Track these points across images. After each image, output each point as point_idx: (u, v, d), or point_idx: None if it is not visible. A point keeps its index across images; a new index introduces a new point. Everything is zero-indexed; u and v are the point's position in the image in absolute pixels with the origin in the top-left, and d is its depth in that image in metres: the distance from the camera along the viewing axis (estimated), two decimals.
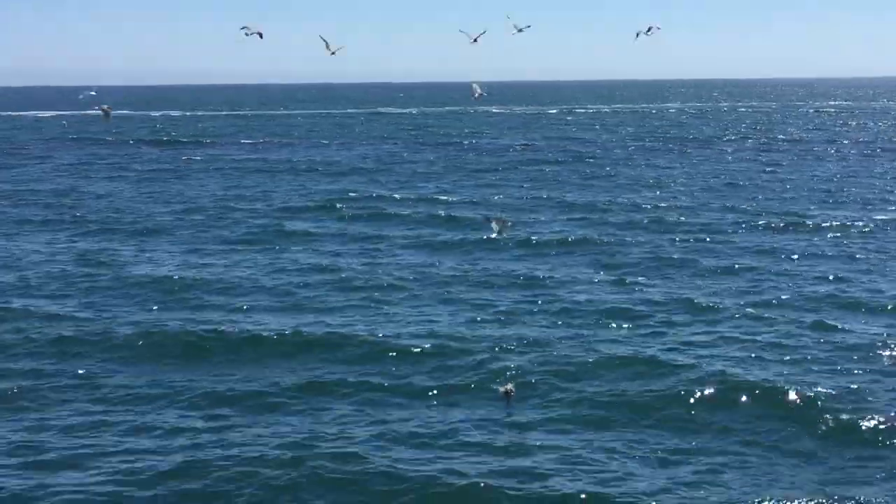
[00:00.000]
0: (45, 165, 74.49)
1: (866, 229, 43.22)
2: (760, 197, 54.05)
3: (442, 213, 48.38)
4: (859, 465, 17.98)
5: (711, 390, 21.46)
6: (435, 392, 22.27)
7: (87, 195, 56.19)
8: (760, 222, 44.93)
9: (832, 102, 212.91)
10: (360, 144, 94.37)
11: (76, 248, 40.35)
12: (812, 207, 50.04)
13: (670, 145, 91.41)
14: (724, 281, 33.24)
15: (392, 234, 42.63)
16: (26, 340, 26.14)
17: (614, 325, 27.62)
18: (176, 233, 43.72)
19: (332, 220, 47.22)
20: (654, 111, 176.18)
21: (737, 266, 35.45)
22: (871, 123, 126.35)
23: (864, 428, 19.34)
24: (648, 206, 50.05)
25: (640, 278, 33.63)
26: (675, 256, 37.15)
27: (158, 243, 41.33)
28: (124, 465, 18.19)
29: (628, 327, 27.47)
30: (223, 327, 27.18)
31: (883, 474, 17.61)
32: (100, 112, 37.92)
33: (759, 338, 26.07)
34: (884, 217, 46.49)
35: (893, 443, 18.90)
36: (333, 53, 24.21)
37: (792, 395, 20.98)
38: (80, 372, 23.77)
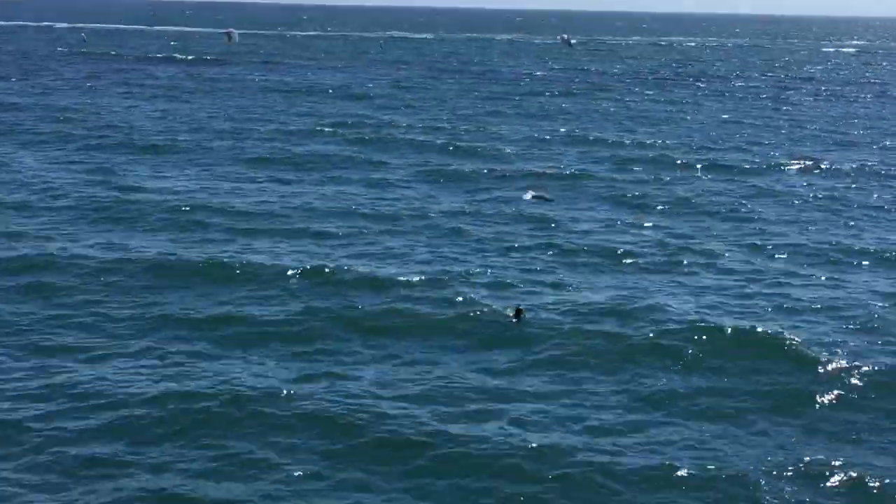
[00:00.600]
0: (58, 80, 73.99)
1: (883, 172, 43.10)
2: (771, 137, 53.78)
3: (446, 141, 48.05)
4: (852, 417, 17.91)
5: (706, 336, 21.24)
6: (434, 326, 22.11)
7: (98, 111, 55.86)
8: (772, 163, 44.88)
9: (855, 41, 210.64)
10: (376, 69, 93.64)
11: (81, 164, 40.16)
12: (823, 148, 49.86)
13: (688, 80, 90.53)
14: (728, 224, 33.22)
15: (400, 162, 42.41)
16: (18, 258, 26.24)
17: (611, 265, 27.64)
18: (182, 153, 43.38)
19: (340, 144, 46.86)
20: (673, 44, 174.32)
21: (743, 210, 35.42)
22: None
23: (857, 382, 19.22)
24: (658, 143, 49.71)
25: (647, 217, 33.58)
26: (681, 195, 37.11)
27: (164, 163, 41.10)
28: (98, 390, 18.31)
29: (626, 268, 27.46)
30: (221, 253, 27.14)
31: (874, 426, 17.58)
32: (224, 34, 38.23)
33: (763, 286, 25.87)
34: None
35: (883, 394, 18.85)
36: None
37: (789, 346, 20.74)
38: (80, 297, 23.68)
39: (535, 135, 51.97)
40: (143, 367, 19.37)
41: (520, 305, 22.99)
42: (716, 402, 18.41)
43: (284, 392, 18.03)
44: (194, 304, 23.31)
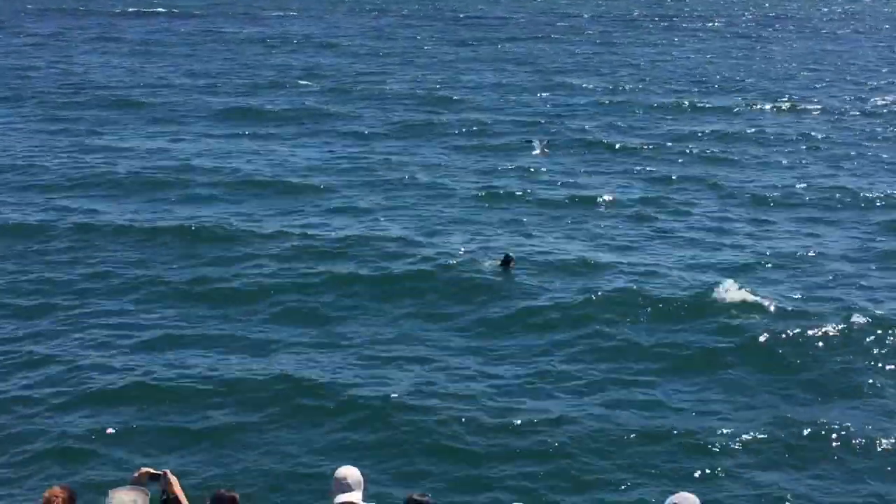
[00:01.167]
0: (18, 39, 71.97)
1: (863, 112, 43.03)
2: (751, 77, 53.54)
3: (424, 92, 47.47)
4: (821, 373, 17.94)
5: (672, 290, 21.31)
6: (418, 281, 22.14)
7: (68, 68, 54.63)
8: (751, 105, 44.79)
9: None
10: (354, 18, 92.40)
11: (46, 123, 39.51)
12: (802, 87, 49.73)
13: (668, 21, 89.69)
14: (705, 168, 33.26)
15: (376, 114, 42.02)
16: None
17: (591, 215, 27.73)
18: (155, 110, 42.56)
19: (317, 96, 46.18)
20: None
21: (720, 152, 35.43)
22: None
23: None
24: (638, 87, 49.49)
25: (625, 163, 33.64)
26: (659, 140, 37.07)
27: (137, 120, 40.48)
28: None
29: (603, 217, 27.55)
30: (198, 215, 27.03)
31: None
32: None
33: (734, 237, 26.04)
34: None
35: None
36: None
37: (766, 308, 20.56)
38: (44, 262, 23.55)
39: (513, 82, 51.36)
40: (119, 336, 19.34)
41: (509, 253, 23.01)
42: (680, 360, 18.30)
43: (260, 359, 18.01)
44: (171, 267, 23.19)
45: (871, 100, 46.45)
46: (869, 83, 51.90)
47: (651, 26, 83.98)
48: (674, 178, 31.91)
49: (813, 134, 38.51)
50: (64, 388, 16.96)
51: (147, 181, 30.67)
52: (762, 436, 15.44)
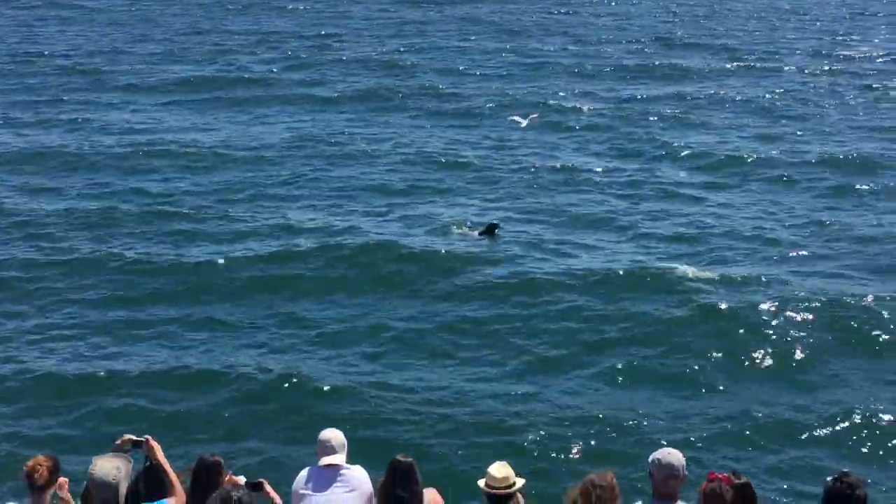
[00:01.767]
0: None
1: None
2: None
3: (397, 59, 46.54)
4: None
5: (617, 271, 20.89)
6: (393, 253, 21.83)
7: (22, 38, 53.49)
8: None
9: None
10: None
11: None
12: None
13: None
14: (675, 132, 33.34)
15: (345, 83, 41.29)
16: None
17: (576, 185, 27.68)
18: (116, 79, 41.61)
19: (281, 63, 45.24)
20: None
21: (683, 116, 35.53)
22: None
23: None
24: (593, 50, 49.32)
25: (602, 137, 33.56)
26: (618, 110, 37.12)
27: (96, 90, 39.66)
28: None
29: (584, 185, 27.61)
30: (161, 195, 26.61)
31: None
32: None
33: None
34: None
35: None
36: None
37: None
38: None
39: (476, 46, 50.64)
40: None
41: (494, 221, 22.97)
42: (639, 332, 18.20)
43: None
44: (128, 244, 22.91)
45: (836, 55, 46.61)
46: (835, 38, 51.98)
47: None
48: (638, 143, 31.92)
49: (778, 93, 38.62)
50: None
51: (97, 156, 30.08)
52: (711, 411, 15.44)
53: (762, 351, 17.39)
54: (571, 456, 14.13)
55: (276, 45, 50.27)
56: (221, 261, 21.41)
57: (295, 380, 16.13)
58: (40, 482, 7.74)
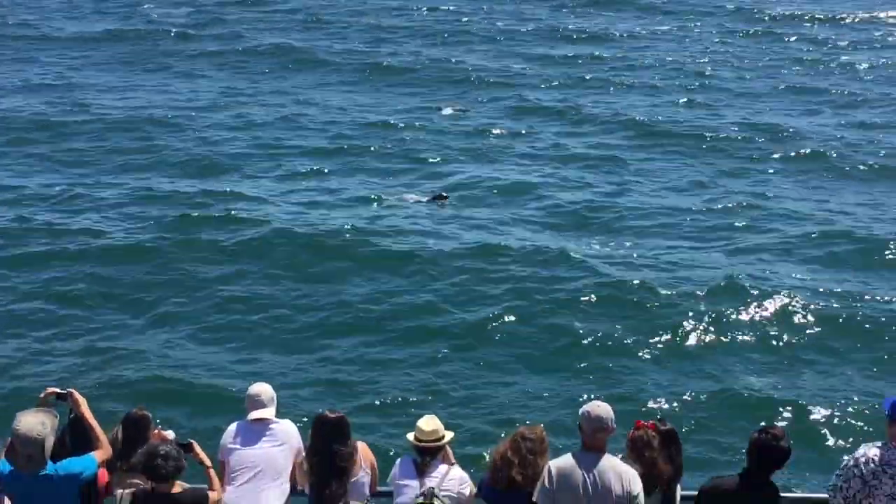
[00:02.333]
0: None
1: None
2: None
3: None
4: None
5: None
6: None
7: None
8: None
9: None
10: None
11: None
12: None
13: None
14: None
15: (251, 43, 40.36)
16: None
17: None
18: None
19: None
20: None
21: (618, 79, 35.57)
22: None
23: None
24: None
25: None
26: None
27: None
28: None
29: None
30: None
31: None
32: None
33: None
34: None
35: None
36: None
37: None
38: None
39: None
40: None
41: (442, 192, 22.95)
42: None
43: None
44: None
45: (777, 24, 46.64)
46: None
47: None
48: (565, 107, 31.82)
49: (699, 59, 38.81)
50: None
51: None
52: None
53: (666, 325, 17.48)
54: (500, 414, 14.27)
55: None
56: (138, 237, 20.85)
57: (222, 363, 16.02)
58: None
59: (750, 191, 24.74)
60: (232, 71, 35.68)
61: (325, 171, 25.80)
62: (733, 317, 17.74)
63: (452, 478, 8.18)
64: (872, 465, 6.95)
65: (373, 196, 23.78)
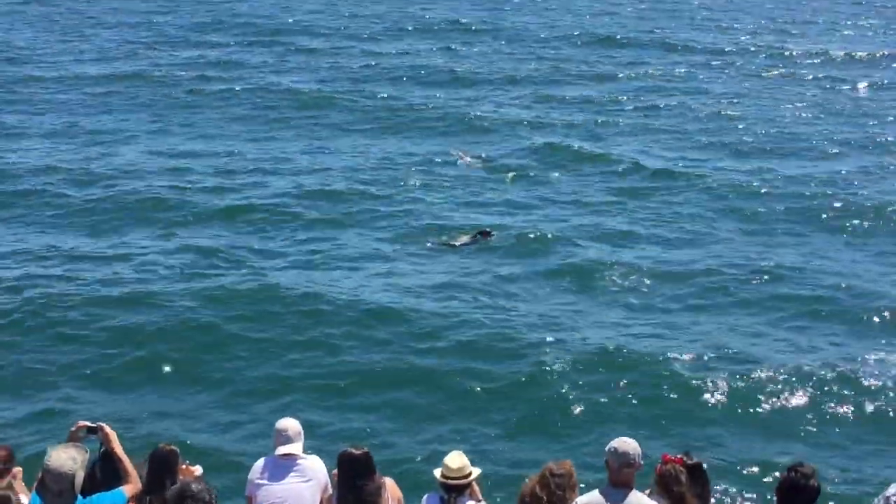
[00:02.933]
0: None
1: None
2: None
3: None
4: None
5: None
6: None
7: None
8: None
9: None
10: None
11: None
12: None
13: None
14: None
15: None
16: None
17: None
18: None
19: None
20: None
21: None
22: None
23: None
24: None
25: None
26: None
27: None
28: None
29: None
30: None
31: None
32: None
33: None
34: None
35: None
36: None
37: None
38: None
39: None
40: None
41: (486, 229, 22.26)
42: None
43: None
44: None
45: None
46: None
47: None
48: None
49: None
50: None
51: None
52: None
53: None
54: (528, 447, 14.23)
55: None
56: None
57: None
58: None
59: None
60: (247, 120, 33.61)
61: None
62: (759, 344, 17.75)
63: None
64: None
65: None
